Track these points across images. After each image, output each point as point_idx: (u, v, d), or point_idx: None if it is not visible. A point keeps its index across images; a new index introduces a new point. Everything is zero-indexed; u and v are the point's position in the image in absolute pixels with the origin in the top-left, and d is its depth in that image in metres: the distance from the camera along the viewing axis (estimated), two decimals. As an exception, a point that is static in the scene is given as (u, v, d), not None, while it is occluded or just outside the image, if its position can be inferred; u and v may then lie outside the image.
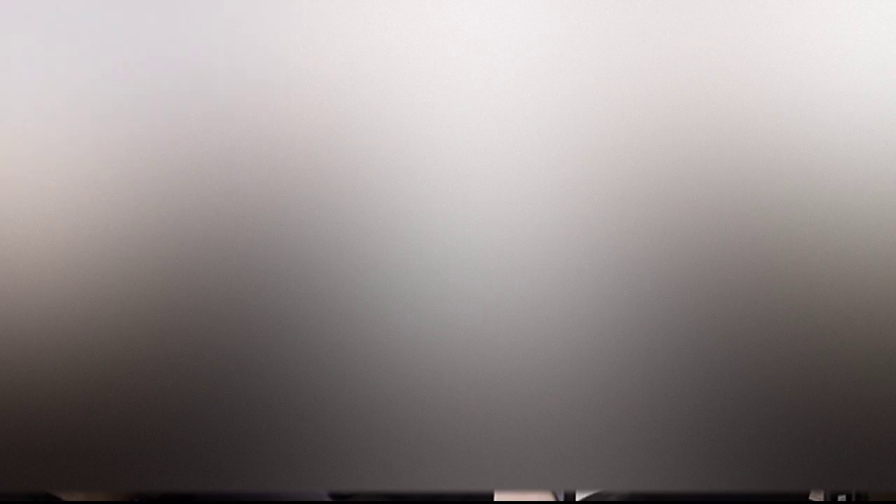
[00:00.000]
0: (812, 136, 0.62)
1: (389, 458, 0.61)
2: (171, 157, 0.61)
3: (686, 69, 0.62)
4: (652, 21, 0.62)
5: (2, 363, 0.61)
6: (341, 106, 0.61)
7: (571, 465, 0.62)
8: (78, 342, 0.61)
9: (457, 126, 0.62)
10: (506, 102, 0.62)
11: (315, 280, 0.62)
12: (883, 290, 0.62)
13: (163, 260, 0.61)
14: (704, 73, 0.62)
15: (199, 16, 0.61)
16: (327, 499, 1.12)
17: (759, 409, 0.62)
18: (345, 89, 0.61)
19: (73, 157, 0.61)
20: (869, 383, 0.62)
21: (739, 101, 0.62)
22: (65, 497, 0.92)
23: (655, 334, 0.62)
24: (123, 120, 0.61)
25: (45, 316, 0.61)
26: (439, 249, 0.62)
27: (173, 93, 0.61)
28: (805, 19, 0.62)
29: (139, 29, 0.61)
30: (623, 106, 0.62)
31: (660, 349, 0.62)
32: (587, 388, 0.62)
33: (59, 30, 0.61)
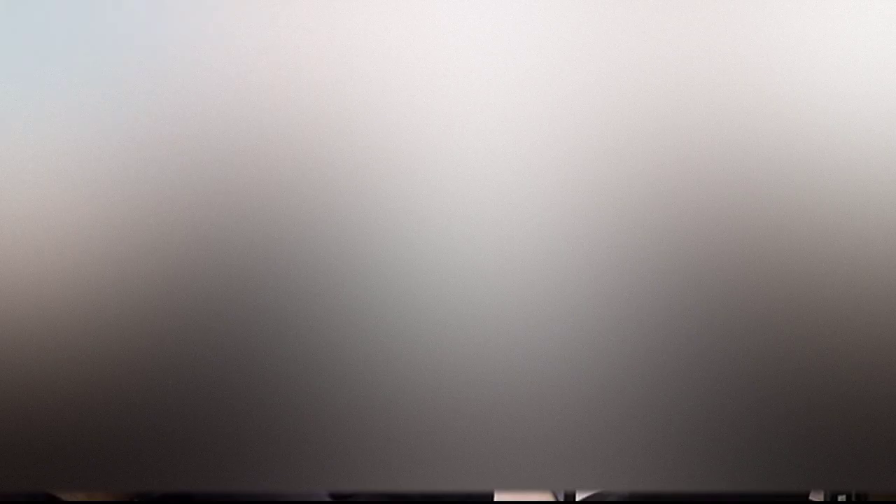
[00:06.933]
0: (812, 136, 0.62)
1: (389, 458, 0.61)
2: (171, 157, 0.61)
3: (686, 69, 0.62)
4: (652, 21, 0.62)
5: (2, 363, 0.61)
6: (341, 106, 0.61)
7: (571, 465, 0.62)
8: (78, 342, 0.61)
9: (457, 126, 0.62)
10: (506, 102, 0.62)
11: (315, 280, 0.62)
12: (883, 291, 0.62)
13: (162, 261, 0.61)
14: (704, 73, 0.62)
15: (199, 16, 0.61)
16: (327, 499, 1.12)
17: (759, 409, 0.62)
18: (345, 89, 0.61)
19: (73, 157, 0.61)
20: (869, 383, 0.62)
21: (739, 101, 0.62)
22: (65, 497, 0.92)
23: (655, 334, 0.62)
24: (123, 120, 0.61)
25: (45, 316, 0.61)
26: (439, 249, 0.62)
27: (173, 93, 0.61)
28: (805, 19, 0.62)
29: (139, 29, 0.61)
30: (623, 106, 0.62)
31: (660, 349, 0.62)
32: (587, 388, 0.62)
33: (59, 30, 0.61)
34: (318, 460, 0.61)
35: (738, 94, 0.62)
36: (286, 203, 0.62)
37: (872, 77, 0.62)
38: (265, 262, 0.61)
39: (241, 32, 0.61)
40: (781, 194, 0.62)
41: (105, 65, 0.61)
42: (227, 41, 0.61)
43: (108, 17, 0.61)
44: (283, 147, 0.61)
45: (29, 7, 0.61)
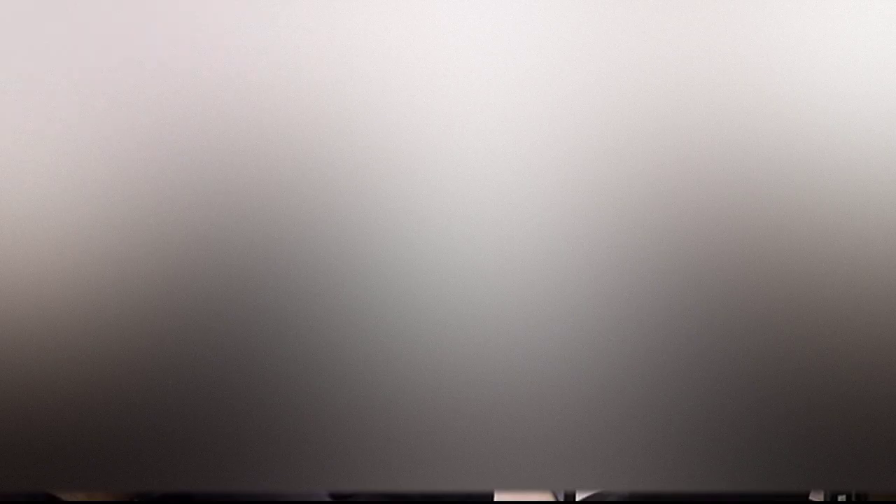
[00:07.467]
0: (812, 136, 0.62)
1: (389, 458, 0.61)
2: (171, 157, 0.61)
3: (686, 69, 0.62)
4: (652, 21, 0.62)
5: (2, 363, 0.61)
6: (341, 106, 0.61)
7: (571, 465, 0.62)
8: (78, 342, 0.61)
9: (457, 126, 0.62)
10: (506, 102, 0.62)
11: (315, 280, 0.62)
12: (883, 291, 0.62)
13: (162, 261, 0.61)
14: (704, 73, 0.62)
15: (199, 16, 0.61)
16: (327, 499, 1.12)
17: (759, 409, 0.62)
18: (345, 89, 0.61)
19: (73, 157, 0.61)
20: (869, 383, 0.62)
21: (739, 101, 0.62)
22: (65, 497, 0.92)
23: (655, 334, 0.62)
24: (124, 120, 0.61)
25: (45, 316, 0.61)
26: (439, 249, 0.62)
27: (173, 93, 0.61)
28: (805, 19, 0.62)
29: (139, 29, 0.61)
30: (623, 106, 0.62)
31: (659, 349, 0.62)
32: (587, 388, 0.62)
33: (59, 30, 0.61)
34: (318, 460, 0.61)
35: (738, 94, 0.62)
36: (286, 203, 0.62)
37: (872, 77, 0.62)
38: (265, 262, 0.61)
39: (241, 32, 0.61)
40: (781, 194, 0.62)
41: (105, 65, 0.61)
42: (227, 41, 0.61)
43: (108, 17, 0.61)
44: (283, 147, 0.61)
45: (29, 7, 0.61)
